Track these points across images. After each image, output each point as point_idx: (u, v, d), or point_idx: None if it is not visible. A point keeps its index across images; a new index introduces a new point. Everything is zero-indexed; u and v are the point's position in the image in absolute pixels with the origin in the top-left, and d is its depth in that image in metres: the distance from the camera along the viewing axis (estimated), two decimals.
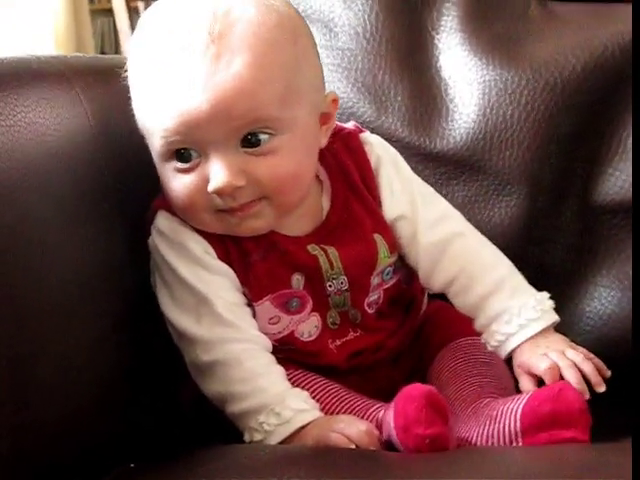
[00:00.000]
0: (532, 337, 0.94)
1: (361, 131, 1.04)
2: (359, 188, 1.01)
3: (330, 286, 1.00)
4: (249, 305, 0.98)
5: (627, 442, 0.78)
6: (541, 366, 0.91)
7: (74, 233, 0.89)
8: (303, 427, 0.89)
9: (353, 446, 0.85)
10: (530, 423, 0.87)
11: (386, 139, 1.10)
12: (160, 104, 0.89)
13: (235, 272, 0.97)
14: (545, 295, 0.97)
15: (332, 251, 0.99)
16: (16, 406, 0.78)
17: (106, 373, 0.93)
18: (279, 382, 0.93)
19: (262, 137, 0.90)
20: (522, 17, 1.23)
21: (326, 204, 1.00)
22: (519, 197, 1.18)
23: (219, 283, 0.96)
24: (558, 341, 0.94)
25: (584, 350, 0.93)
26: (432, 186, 1.14)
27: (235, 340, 0.94)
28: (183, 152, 0.90)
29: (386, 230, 1.01)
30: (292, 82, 0.91)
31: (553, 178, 1.17)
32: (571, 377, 0.89)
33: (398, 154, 1.05)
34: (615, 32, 1.15)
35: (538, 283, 1.15)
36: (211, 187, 0.89)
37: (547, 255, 1.19)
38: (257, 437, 0.90)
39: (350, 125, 1.05)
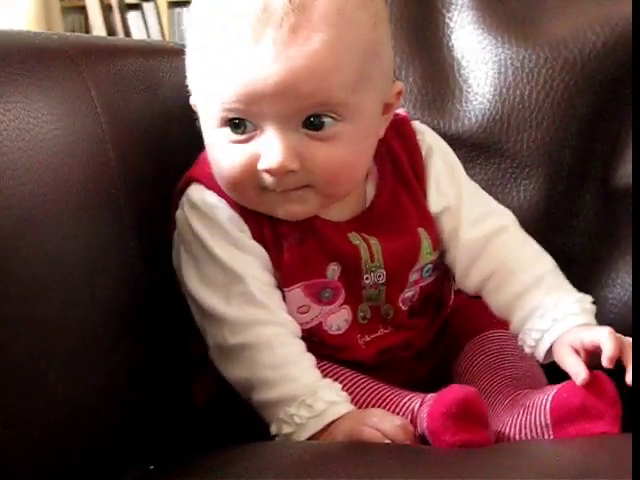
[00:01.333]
0: (573, 330, 0.87)
1: (404, 117, 1.00)
2: (408, 177, 0.96)
3: (367, 279, 0.95)
4: (279, 289, 0.93)
5: None
6: (599, 334, 0.84)
7: (83, 220, 0.84)
8: (334, 420, 0.85)
9: (388, 441, 0.81)
10: (560, 415, 0.83)
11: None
12: (224, 67, 0.83)
13: (269, 254, 0.92)
14: (588, 297, 0.92)
15: (375, 242, 0.94)
16: (23, 404, 0.73)
17: (116, 370, 0.87)
18: (311, 372, 0.89)
19: (326, 121, 0.85)
20: None
21: (371, 191, 0.96)
22: (538, 180, 1.13)
23: (252, 263, 0.91)
24: None
25: None
26: None
27: (267, 322, 0.89)
28: (238, 122, 0.85)
29: (431, 224, 0.97)
30: (367, 68, 0.86)
31: (573, 160, 1.13)
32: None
33: (448, 147, 1.00)
34: None
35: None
36: (262, 165, 0.84)
37: (567, 240, 1.15)
38: (286, 429, 0.85)
39: (401, 111, 1.00)
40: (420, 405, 0.86)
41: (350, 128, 0.86)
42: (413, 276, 0.97)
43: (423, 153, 0.97)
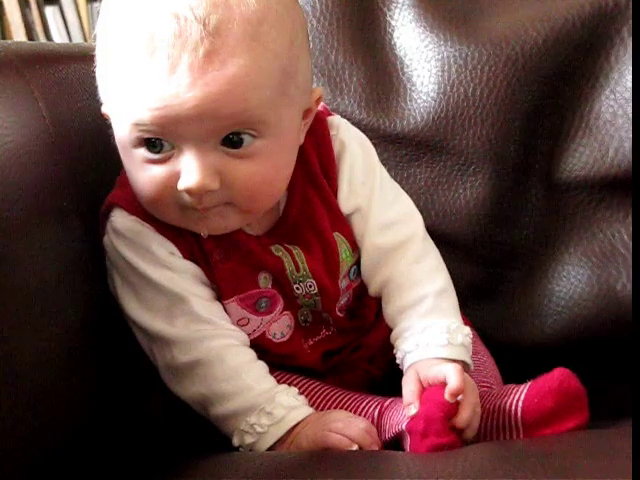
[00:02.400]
0: (429, 360, 0.88)
1: (329, 114, 0.97)
2: (318, 178, 0.94)
3: (298, 289, 0.95)
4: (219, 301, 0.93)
5: (625, 423, 0.77)
6: (445, 369, 0.85)
7: (35, 233, 0.83)
8: (296, 425, 0.85)
9: (355, 447, 0.81)
10: (532, 419, 0.84)
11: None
12: (137, 91, 0.80)
13: (201, 269, 0.91)
14: (464, 329, 0.91)
15: (297, 252, 0.94)
16: None
17: (74, 382, 0.86)
18: (265, 379, 0.89)
19: (245, 138, 0.83)
20: None
21: (283, 198, 0.93)
22: (484, 177, 1.14)
23: (189, 281, 0.90)
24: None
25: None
26: (393, 169, 1.11)
27: (214, 336, 0.89)
28: (154, 141, 0.82)
29: (345, 227, 0.96)
30: (284, 86, 0.84)
31: (517, 156, 1.14)
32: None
33: (369, 143, 0.98)
34: (574, 3, 1.12)
35: (506, 264, 1.14)
36: (182, 185, 0.82)
37: (514, 235, 1.16)
38: (248, 440, 0.85)
39: (320, 106, 0.97)
40: (388, 409, 0.86)
41: (269, 143, 0.84)
42: (343, 282, 0.97)
43: (335, 150, 0.95)
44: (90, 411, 0.88)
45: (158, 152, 0.83)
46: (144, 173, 0.85)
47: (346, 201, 0.95)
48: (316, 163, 0.94)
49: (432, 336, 0.89)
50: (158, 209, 0.87)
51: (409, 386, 0.86)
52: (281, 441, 0.85)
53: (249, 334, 0.93)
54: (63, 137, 0.89)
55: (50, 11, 4.89)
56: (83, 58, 1.03)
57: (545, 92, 1.13)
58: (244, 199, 0.85)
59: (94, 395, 0.89)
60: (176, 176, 0.83)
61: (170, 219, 0.88)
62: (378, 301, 1.00)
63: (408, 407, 0.84)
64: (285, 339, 0.97)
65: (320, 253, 0.94)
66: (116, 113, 0.85)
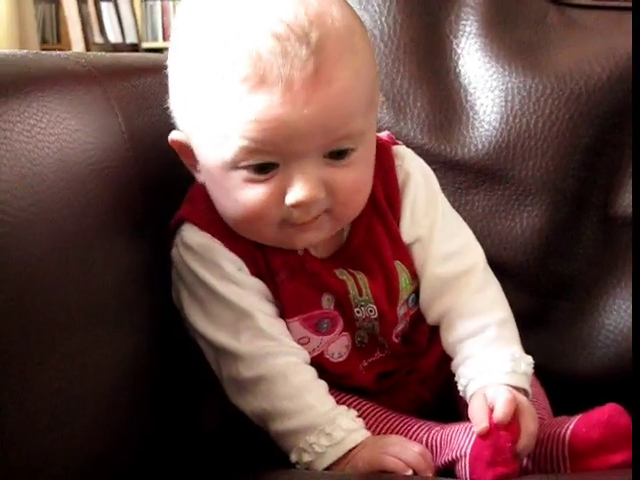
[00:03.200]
0: (495, 385, 0.89)
1: (395, 143, 1.00)
2: (382, 207, 0.96)
3: (358, 312, 0.97)
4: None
5: None
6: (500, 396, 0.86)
7: (110, 241, 0.85)
8: (353, 448, 0.87)
9: (410, 471, 0.83)
10: (579, 449, 0.86)
11: (405, 145, 1.07)
12: (249, 113, 0.81)
13: (267, 287, 0.93)
14: (527, 359, 0.92)
15: (361, 277, 0.96)
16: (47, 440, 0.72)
17: (137, 398, 0.88)
18: (326, 399, 0.91)
19: (348, 150, 0.86)
20: (541, 24, 1.20)
21: (347, 224, 0.95)
22: (541, 208, 1.16)
23: (255, 297, 0.92)
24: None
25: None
26: (452, 195, 1.13)
27: (278, 353, 0.91)
28: (263, 164, 0.85)
29: (406, 256, 0.98)
30: (373, 94, 0.88)
31: (575, 189, 1.15)
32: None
33: (432, 174, 1.00)
34: None
35: (558, 295, 1.15)
36: (293, 199, 0.85)
37: (567, 267, 1.17)
38: (306, 458, 0.87)
39: (384, 135, 1.00)
40: (450, 435, 0.88)
41: (364, 150, 0.88)
42: (402, 310, 0.99)
43: (400, 180, 0.97)
44: (152, 423, 0.90)
45: (265, 173, 0.85)
46: (245, 193, 0.86)
47: (408, 231, 0.97)
48: (381, 192, 0.96)
49: (496, 364, 0.90)
50: (255, 228, 0.89)
51: (478, 407, 0.87)
52: (337, 462, 0.87)
53: (309, 352, 0.95)
54: (138, 151, 0.91)
55: (105, 7, 4.96)
56: (157, 70, 1.06)
57: (606, 127, 1.14)
58: (343, 206, 0.88)
59: (156, 407, 0.91)
60: (282, 192, 0.85)
61: (265, 238, 0.91)
62: (431, 328, 1.02)
63: (478, 424, 0.85)
64: (342, 359, 0.98)
65: (382, 280, 0.96)
66: (208, 137, 0.86)
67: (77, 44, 4.52)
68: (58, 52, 0.92)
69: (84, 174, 0.81)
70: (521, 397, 0.88)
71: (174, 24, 0.92)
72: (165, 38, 5.30)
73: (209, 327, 0.92)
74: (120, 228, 0.87)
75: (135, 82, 0.98)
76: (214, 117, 0.84)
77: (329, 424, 0.87)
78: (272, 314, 0.93)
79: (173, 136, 0.92)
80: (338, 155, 0.86)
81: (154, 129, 0.97)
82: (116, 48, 4.88)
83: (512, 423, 0.85)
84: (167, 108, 0.98)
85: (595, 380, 1.13)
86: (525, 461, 0.88)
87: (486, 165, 1.16)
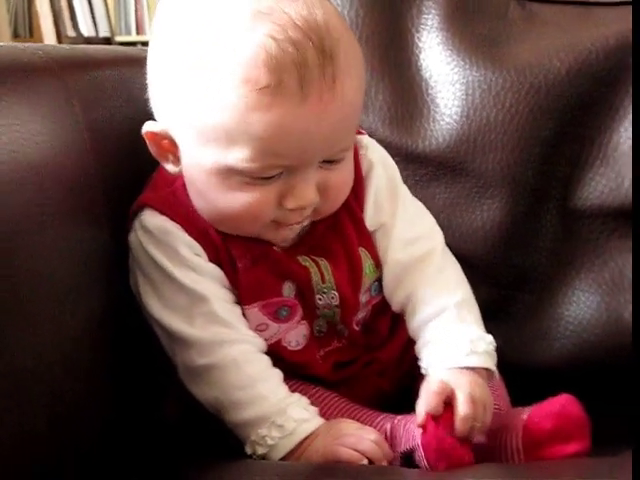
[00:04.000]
0: (453, 370, 0.89)
1: (359, 132, 1.00)
2: (347, 197, 0.96)
3: (320, 299, 0.97)
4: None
5: (626, 453, 0.79)
6: (457, 394, 0.86)
7: (65, 229, 0.85)
8: (306, 438, 0.87)
9: (366, 461, 0.83)
10: (532, 440, 0.86)
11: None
12: (265, 123, 0.80)
13: (225, 273, 0.93)
14: (487, 338, 0.93)
15: (324, 264, 0.96)
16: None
17: (95, 382, 0.89)
18: (279, 388, 0.91)
19: (345, 154, 0.88)
20: (502, 18, 1.21)
21: None
22: (501, 200, 1.16)
23: (212, 283, 0.92)
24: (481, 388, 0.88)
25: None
26: (412, 187, 1.13)
27: (232, 341, 0.91)
28: (269, 173, 0.85)
29: (370, 243, 0.99)
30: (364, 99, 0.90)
31: (535, 182, 1.16)
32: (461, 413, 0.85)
33: (393, 162, 1.02)
34: (599, 36, 1.14)
35: (518, 287, 1.16)
36: (294, 204, 0.86)
37: (527, 259, 1.17)
38: (260, 451, 0.87)
39: None
40: (404, 424, 0.89)
41: (351, 150, 0.91)
42: (364, 297, 1.00)
43: (363, 169, 0.98)
44: (107, 412, 0.90)
45: (269, 178, 0.85)
46: (242, 195, 0.86)
47: (372, 218, 0.98)
48: None
49: (454, 346, 0.91)
50: (242, 226, 0.90)
51: (425, 397, 0.86)
52: (292, 453, 0.87)
53: (266, 339, 0.95)
54: (97, 142, 0.91)
55: (78, 0, 4.93)
56: (118, 62, 1.06)
57: (565, 121, 1.15)
58: (330, 204, 0.91)
59: (112, 397, 0.91)
60: (281, 195, 0.86)
61: (248, 233, 0.91)
62: (393, 319, 1.03)
63: (418, 414, 0.85)
64: (299, 348, 0.99)
65: (345, 266, 0.97)
66: (210, 140, 0.84)
67: (49, 38, 4.49)
68: (17, 44, 0.92)
69: (38, 164, 0.81)
70: (464, 382, 0.86)
71: (163, 14, 0.90)
72: (139, 32, 5.27)
73: (163, 312, 0.91)
74: (76, 217, 0.88)
75: (94, 74, 0.98)
76: (223, 124, 0.82)
77: (280, 415, 0.87)
78: (228, 300, 0.93)
79: (149, 127, 0.90)
80: (335, 160, 0.87)
81: (113, 120, 0.98)
82: (89, 41, 4.85)
83: (447, 411, 0.85)
84: (127, 100, 0.98)
85: (554, 371, 1.14)
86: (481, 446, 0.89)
87: (447, 158, 1.17)
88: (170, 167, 0.92)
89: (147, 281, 0.93)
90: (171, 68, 0.86)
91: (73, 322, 0.85)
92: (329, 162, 0.87)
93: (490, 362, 0.91)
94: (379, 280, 1.00)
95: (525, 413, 0.88)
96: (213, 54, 0.81)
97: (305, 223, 0.92)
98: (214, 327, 0.91)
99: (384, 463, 0.85)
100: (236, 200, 0.86)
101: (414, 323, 0.96)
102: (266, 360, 0.93)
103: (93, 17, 4.99)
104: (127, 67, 1.06)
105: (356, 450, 0.84)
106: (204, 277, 0.92)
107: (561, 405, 0.86)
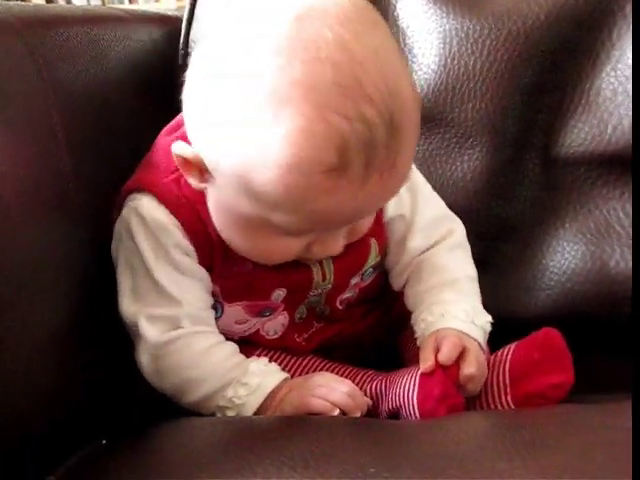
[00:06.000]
0: (448, 329, 0.89)
1: None
2: None
3: (313, 293, 0.95)
4: (217, 302, 0.92)
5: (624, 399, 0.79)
6: (446, 339, 0.87)
7: (34, 210, 0.83)
8: (275, 392, 0.86)
9: (337, 411, 0.82)
10: (519, 372, 0.87)
11: None
12: (320, 202, 0.73)
13: (212, 274, 0.90)
14: (487, 316, 0.93)
15: (327, 262, 0.93)
16: None
17: (73, 351, 0.89)
18: (234, 356, 0.90)
19: None
20: None
21: None
22: (482, 150, 1.14)
23: (191, 286, 0.89)
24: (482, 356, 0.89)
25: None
26: None
27: (183, 335, 0.89)
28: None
29: (381, 232, 0.97)
30: None
31: (516, 130, 1.14)
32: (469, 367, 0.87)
33: None
34: None
35: (501, 238, 1.14)
36: (323, 254, 0.85)
37: (510, 209, 1.16)
38: (230, 414, 0.87)
39: None
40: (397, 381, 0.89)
41: None
42: (354, 280, 0.98)
43: None
44: (81, 392, 0.90)
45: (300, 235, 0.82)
46: (273, 242, 0.82)
47: (392, 208, 0.96)
48: None
49: (457, 310, 0.91)
50: (263, 261, 0.87)
51: (426, 347, 0.88)
52: (264, 408, 0.86)
53: (244, 331, 0.95)
54: (62, 100, 0.89)
55: None
56: (86, 21, 1.04)
57: (546, 67, 1.12)
58: (352, 240, 0.88)
59: (83, 378, 0.91)
60: (309, 243, 0.83)
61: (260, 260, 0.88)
62: (374, 299, 1.03)
63: (424, 362, 0.86)
64: (277, 336, 0.98)
65: (351, 257, 0.94)
66: (253, 195, 0.76)
67: None
68: None
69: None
70: (470, 342, 0.88)
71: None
72: (131, 1, 5.23)
73: (132, 303, 0.89)
74: (40, 186, 0.85)
75: (60, 31, 0.96)
76: (273, 190, 0.73)
77: (243, 374, 0.87)
78: (201, 306, 0.91)
79: (180, 152, 0.82)
80: None
81: (81, 78, 0.96)
82: None
83: (453, 365, 0.86)
84: (95, 58, 0.96)
85: (539, 322, 1.11)
86: None
87: (425, 109, 1.14)
88: (193, 182, 0.84)
89: (126, 267, 0.90)
90: (225, 103, 0.75)
91: (46, 304, 0.84)
92: None
93: (482, 338, 0.92)
94: (374, 266, 0.99)
95: (510, 348, 0.90)
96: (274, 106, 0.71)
97: None
98: (173, 332, 0.89)
99: (357, 414, 0.84)
100: (263, 245, 0.83)
101: (418, 288, 0.96)
102: (216, 336, 0.91)
103: None
104: (97, 25, 1.04)
105: (327, 400, 0.83)
106: (186, 278, 0.89)
107: (544, 336, 0.88)
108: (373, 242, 0.96)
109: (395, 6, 1.18)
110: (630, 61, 1.08)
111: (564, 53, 1.12)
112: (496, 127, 1.13)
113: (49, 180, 0.85)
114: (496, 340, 1.02)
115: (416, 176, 0.99)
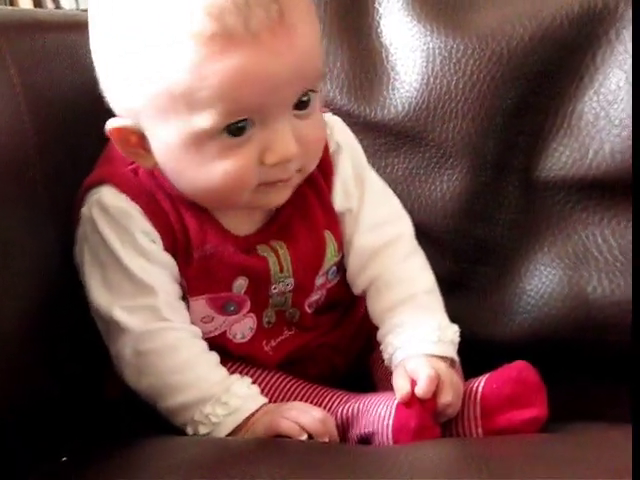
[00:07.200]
0: (419, 356, 0.88)
1: (322, 111, 0.97)
2: (314, 176, 0.93)
3: (275, 288, 0.94)
4: (183, 298, 0.91)
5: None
6: (421, 372, 0.85)
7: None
8: (252, 415, 0.85)
9: (305, 436, 0.81)
10: (490, 405, 0.86)
11: (324, 106, 1.04)
12: (224, 73, 0.76)
13: (177, 263, 0.90)
14: (452, 327, 0.92)
15: (283, 251, 0.93)
16: None
17: (31, 360, 0.87)
18: (218, 370, 0.89)
19: (311, 96, 0.83)
20: None
21: None
22: (461, 171, 1.13)
23: (162, 274, 0.89)
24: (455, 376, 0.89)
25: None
26: (371, 157, 1.10)
27: (168, 329, 0.88)
28: (241, 124, 0.80)
29: (336, 225, 0.96)
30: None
31: (496, 152, 1.13)
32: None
33: (356, 141, 0.99)
34: (563, 3, 1.10)
35: (478, 260, 1.14)
36: (275, 158, 0.82)
37: (488, 231, 1.15)
38: (202, 430, 0.85)
39: None
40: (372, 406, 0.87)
41: (318, 97, 0.86)
42: (320, 280, 0.97)
43: (331, 150, 0.95)
44: (50, 386, 0.89)
45: (242, 134, 0.81)
46: (224, 162, 0.82)
47: (341, 200, 0.95)
48: None
49: (424, 333, 0.89)
50: (231, 196, 0.85)
51: (402, 376, 0.86)
52: (236, 430, 0.85)
53: (210, 332, 0.93)
54: (34, 106, 0.88)
55: None
56: (61, 26, 1.02)
57: (528, 89, 1.12)
58: (312, 159, 0.87)
59: (50, 373, 0.89)
60: (260, 154, 0.82)
61: (238, 204, 0.87)
62: (346, 304, 1.02)
63: (399, 390, 0.85)
64: (245, 340, 0.96)
65: (308, 249, 0.94)
66: (175, 112, 0.80)
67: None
68: None
69: None
70: (443, 369, 0.87)
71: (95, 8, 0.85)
72: None
73: (105, 296, 0.88)
74: (10, 184, 0.84)
75: (36, 37, 0.94)
76: (178, 89, 0.78)
77: (224, 393, 0.85)
78: (174, 295, 0.90)
79: (113, 124, 0.85)
80: (303, 104, 0.83)
81: (56, 85, 0.94)
82: None
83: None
84: (71, 65, 0.95)
85: (515, 345, 1.12)
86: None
87: (406, 127, 1.14)
88: (143, 162, 0.87)
89: (94, 262, 0.89)
90: (115, 52, 0.82)
91: (8, 300, 0.82)
92: (300, 108, 0.83)
93: (454, 352, 0.91)
94: (337, 265, 0.98)
95: (482, 380, 0.88)
96: (153, 22, 0.78)
97: (295, 182, 0.88)
98: (153, 321, 0.88)
99: (325, 439, 0.83)
100: (216, 170, 0.82)
101: (379, 307, 0.95)
102: (202, 344, 0.90)
103: None
104: (74, 31, 1.03)
105: (297, 423, 0.82)
106: (155, 266, 0.88)
107: (518, 371, 0.87)
108: (328, 234, 0.95)
109: (379, 22, 1.17)
110: (613, 86, 1.08)
111: (547, 75, 1.11)
112: (477, 148, 1.12)
113: (18, 182, 0.85)
114: (472, 362, 1.02)
115: (367, 172, 0.98)
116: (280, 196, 0.88)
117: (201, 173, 0.83)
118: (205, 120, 0.78)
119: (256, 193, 0.85)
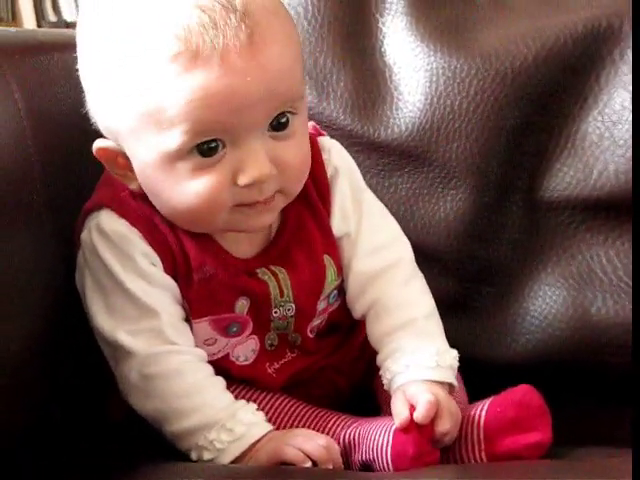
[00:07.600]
0: (418, 382, 0.88)
1: (319, 134, 0.97)
2: (313, 200, 0.93)
3: (276, 312, 0.94)
4: (187, 320, 0.91)
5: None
6: (421, 398, 0.85)
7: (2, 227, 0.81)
8: (256, 442, 0.85)
9: (309, 463, 0.80)
10: (493, 429, 0.85)
11: (327, 126, 1.05)
12: (190, 92, 0.77)
13: (178, 286, 0.89)
14: (451, 352, 0.91)
15: (283, 276, 0.92)
16: None
17: (37, 382, 0.87)
18: (224, 395, 0.88)
19: (289, 117, 0.83)
20: (469, 3, 1.17)
21: (275, 220, 0.93)
22: (465, 191, 1.13)
23: (164, 297, 0.88)
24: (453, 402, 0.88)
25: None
26: (374, 177, 1.10)
27: (173, 352, 0.87)
28: (211, 144, 0.80)
29: (335, 250, 0.96)
30: (303, 60, 0.86)
31: (500, 172, 1.13)
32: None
33: (354, 164, 0.98)
34: (567, 22, 1.10)
35: (482, 280, 1.13)
36: (246, 180, 0.81)
37: (492, 252, 1.14)
38: (207, 456, 0.85)
39: (309, 126, 0.96)
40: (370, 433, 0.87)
41: (302, 119, 0.86)
42: (321, 305, 0.97)
43: (328, 174, 0.95)
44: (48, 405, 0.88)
45: (213, 154, 0.80)
46: (195, 183, 0.81)
47: (339, 225, 0.95)
48: (310, 185, 0.93)
49: (422, 358, 0.89)
50: (206, 218, 0.85)
51: (400, 402, 0.86)
52: (240, 457, 0.84)
53: (214, 354, 0.93)
54: (38, 130, 0.88)
55: None
56: (66, 47, 1.02)
57: (532, 109, 1.12)
58: (293, 182, 0.86)
59: (51, 393, 0.89)
60: (232, 175, 0.81)
61: (216, 225, 0.87)
62: (348, 328, 1.02)
63: (399, 417, 0.84)
64: (248, 363, 0.96)
65: (307, 274, 0.93)
66: (147, 132, 0.81)
67: (29, 22, 4.44)
68: None
69: None
70: (441, 395, 0.86)
71: (81, 11, 0.87)
72: None
73: (109, 321, 0.87)
74: (14, 207, 0.83)
75: (40, 58, 0.95)
76: (147, 108, 0.79)
77: (229, 419, 0.85)
78: (178, 317, 0.90)
79: (98, 144, 0.86)
80: (280, 125, 0.83)
81: (59, 107, 0.94)
82: (70, 27, 4.80)
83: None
84: (76, 86, 0.94)
85: (518, 367, 1.11)
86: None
87: (410, 147, 1.13)
88: (129, 184, 0.88)
89: (96, 287, 0.88)
90: (96, 72, 0.84)
91: (13, 318, 0.83)
92: (277, 129, 0.82)
93: (453, 377, 0.90)
94: (338, 289, 0.98)
95: (485, 404, 0.87)
96: (126, 42, 0.79)
97: (279, 205, 0.88)
98: (158, 344, 0.87)
99: (329, 466, 0.82)
100: (189, 190, 0.82)
101: (378, 331, 0.94)
102: (208, 368, 0.90)
103: (75, 0, 4.94)
104: (73, 52, 1.02)
105: (301, 450, 0.81)
106: (157, 289, 0.88)
107: (522, 394, 0.86)
108: (328, 259, 0.95)
109: (382, 42, 1.17)
110: (618, 106, 1.08)
111: (551, 95, 1.11)
112: (480, 168, 1.12)
113: (22, 206, 0.85)
114: (475, 382, 1.01)
115: (365, 195, 0.98)
116: (262, 219, 0.87)
117: (175, 193, 0.83)
118: (173, 140, 0.79)
119: (233, 214, 0.84)
